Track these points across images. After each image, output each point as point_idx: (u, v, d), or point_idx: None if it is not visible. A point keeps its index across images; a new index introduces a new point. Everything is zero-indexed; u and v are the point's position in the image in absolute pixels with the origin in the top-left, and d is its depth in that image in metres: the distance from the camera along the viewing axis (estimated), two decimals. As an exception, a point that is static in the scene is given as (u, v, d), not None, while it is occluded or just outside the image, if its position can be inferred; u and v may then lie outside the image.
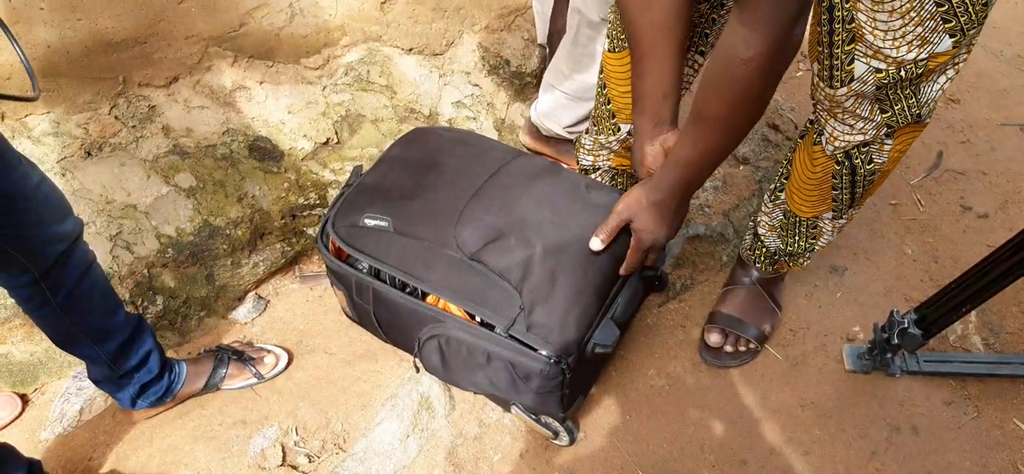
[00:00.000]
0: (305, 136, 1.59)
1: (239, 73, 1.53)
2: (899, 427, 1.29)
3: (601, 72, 1.24)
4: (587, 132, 1.54)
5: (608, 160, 1.33)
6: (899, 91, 0.93)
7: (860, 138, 1.02)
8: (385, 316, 1.21)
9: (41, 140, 1.37)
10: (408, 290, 1.14)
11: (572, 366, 1.05)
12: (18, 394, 1.40)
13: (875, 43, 0.87)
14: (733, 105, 0.89)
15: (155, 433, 1.32)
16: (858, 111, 0.98)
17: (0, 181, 0.90)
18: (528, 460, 1.26)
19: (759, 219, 1.35)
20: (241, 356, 1.38)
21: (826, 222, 1.22)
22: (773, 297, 1.43)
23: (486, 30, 1.77)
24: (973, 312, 1.42)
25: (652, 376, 1.38)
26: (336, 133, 1.63)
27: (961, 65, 0.91)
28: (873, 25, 0.86)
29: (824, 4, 0.90)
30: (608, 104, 1.23)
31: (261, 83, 1.56)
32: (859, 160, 1.06)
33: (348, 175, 1.38)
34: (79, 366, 1.39)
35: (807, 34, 0.97)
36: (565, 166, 1.35)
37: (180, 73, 1.48)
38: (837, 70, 0.93)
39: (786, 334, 1.45)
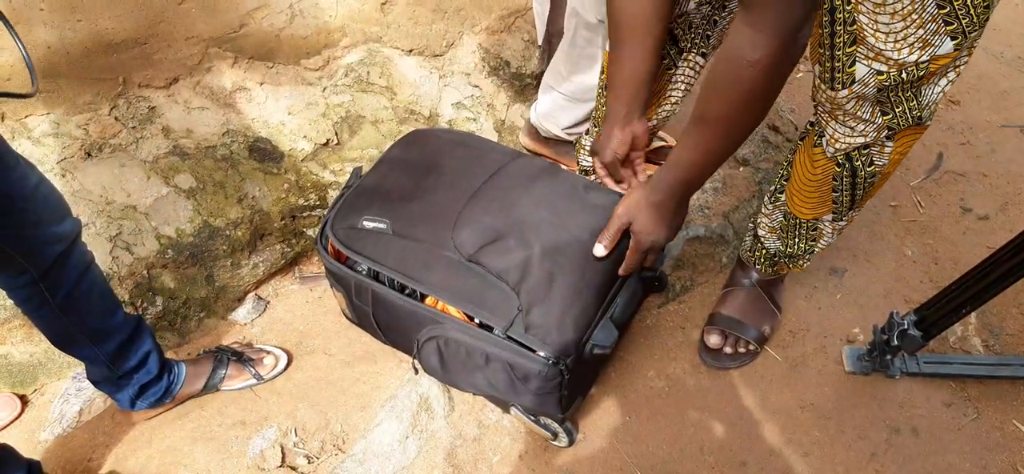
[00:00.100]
0: (305, 137, 1.59)
1: (239, 74, 1.53)
2: (899, 429, 1.29)
3: (602, 73, 1.23)
4: (587, 133, 1.54)
5: (608, 161, 1.33)
6: (900, 93, 0.93)
7: (861, 140, 1.01)
8: (384, 318, 1.21)
9: (41, 141, 1.37)
10: (407, 292, 1.14)
11: (570, 367, 1.04)
12: (17, 395, 1.40)
13: (876, 45, 0.87)
14: (737, 107, 0.89)
15: (154, 434, 1.32)
16: (859, 113, 0.98)
17: None
18: (527, 461, 1.26)
19: (759, 221, 1.35)
20: (240, 357, 1.38)
21: (826, 224, 1.22)
22: (773, 299, 1.43)
23: (486, 31, 1.77)
24: (973, 314, 1.42)
25: (651, 377, 1.38)
26: (336, 134, 1.63)
27: (962, 67, 0.91)
28: (875, 27, 0.86)
29: (825, 6, 0.89)
30: (608, 105, 1.23)
31: (261, 84, 1.56)
32: (860, 162, 1.06)
33: (348, 176, 1.38)
34: (78, 367, 1.39)
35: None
36: (564, 167, 1.35)
37: (180, 74, 1.48)
38: (838, 72, 0.93)
39: (786, 336, 1.45)
